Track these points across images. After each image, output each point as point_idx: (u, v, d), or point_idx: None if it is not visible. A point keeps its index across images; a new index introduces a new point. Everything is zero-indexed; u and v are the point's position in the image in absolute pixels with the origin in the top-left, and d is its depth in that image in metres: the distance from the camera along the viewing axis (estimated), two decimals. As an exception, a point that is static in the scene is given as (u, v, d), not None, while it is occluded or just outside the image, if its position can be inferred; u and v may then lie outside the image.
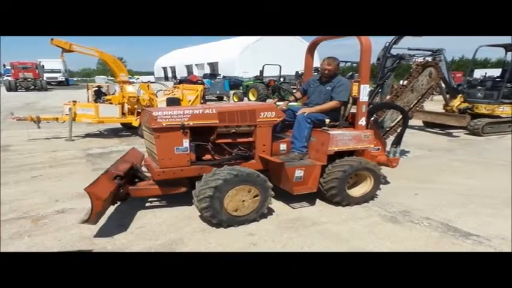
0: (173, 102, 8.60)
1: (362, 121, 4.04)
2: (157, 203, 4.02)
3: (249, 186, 3.38)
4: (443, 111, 9.62)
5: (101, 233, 3.25)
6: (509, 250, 2.98)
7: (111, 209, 3.77)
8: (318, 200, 4.06)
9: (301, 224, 3.48)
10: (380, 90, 5.66)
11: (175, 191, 3.73)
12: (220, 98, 20.46)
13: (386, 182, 4.73)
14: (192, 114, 3.51)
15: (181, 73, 52.92)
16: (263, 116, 3.79)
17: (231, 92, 20.09)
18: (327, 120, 4.10)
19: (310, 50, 4.86)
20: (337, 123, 4.15)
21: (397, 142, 4.59)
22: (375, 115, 4.94)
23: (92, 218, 2.95)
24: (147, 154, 4.08)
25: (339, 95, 4.06)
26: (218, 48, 53.99)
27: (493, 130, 8.76)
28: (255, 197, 3.44)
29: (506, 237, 3.19)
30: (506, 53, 9.57)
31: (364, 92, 3.94)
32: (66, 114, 7.83)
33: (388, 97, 5.77)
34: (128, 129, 8.76)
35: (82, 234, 3.23)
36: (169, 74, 62.40)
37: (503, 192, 4.43)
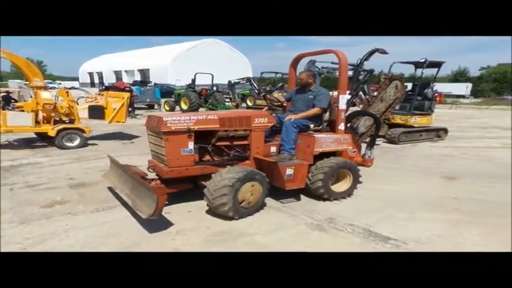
0: (96, 110, 8.06)
1: (341, 126, 4.67)
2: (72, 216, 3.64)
3: (253, 182, 3.84)
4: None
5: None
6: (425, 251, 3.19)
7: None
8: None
9: (229, 237, 3.39)
10: (354, 100, 6.06)
11: (182, 188, 4.13)
12: (150, 106, 19.72)
13: (300, 192, 4.79)
14: (196, 120, 3.93)
15: (110, 79, 50.31)
16: (257, 122, 4.30)
17: (163, 100, 19.49)
18: (311, 125, 4.62)
19: (293, 65, 5.51)
20: (319, 127, 4.71)
21: (371, 144, 5.12)
22: (350, 122, 5.40)
23: (157, 212, 3.24)
24: (152, 156, 4.37)
25: (320, 102, 4.60)
26: (150, 54, 52.42)
27: (407, 139, 9.58)
28: (252, 185, 3.85)
29: (420, 239, 3.42)
30: (415, 70, 10.57)
31: (342, 101, 4.54)
32: (-34, 123, 6.87)
33: (361, 106, 6.24)
34: (43, 139, 7.96)
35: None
36: (96, 80, 58.86)
37: (417, 197, 4.80)
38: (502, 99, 42.88)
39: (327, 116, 4.79)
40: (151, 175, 4.31)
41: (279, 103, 5.18)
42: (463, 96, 44.89)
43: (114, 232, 3.40)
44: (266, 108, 5.31)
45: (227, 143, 4.26)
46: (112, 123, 8.66)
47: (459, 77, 61.82)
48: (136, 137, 9.69)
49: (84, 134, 7.79)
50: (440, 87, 22.85)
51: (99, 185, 5.04)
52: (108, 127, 9.96)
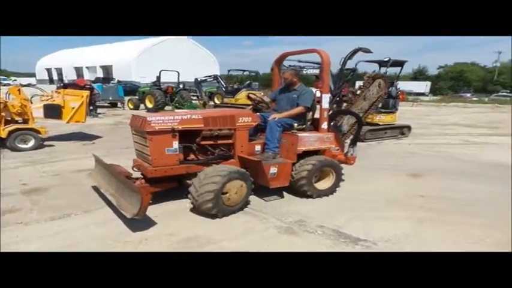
0: (52, 109, 7.58)
1: (324, 125, 4.72)
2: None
3: (243, 183, 3.91)
4: (332, 119, 10.37)
5: None
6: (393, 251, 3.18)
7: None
8: (213, 216, 3.86)
9: (196, 244, 3.23)
10: (338, 98, 6.02)
11: (167, 187, 4.12)
12: (113, 105, 18.99)
13: (284, 190, 4.75)
14: (181, 119, 3.92)
15: (70, 76, 47.97)
16: (241, 121, 4.33)
17: (126, 98, 18.83)
18: (295, 124, 4.68)
19: (278, 63, 5.51)
20: (303, 126, 4.76)
21: (354, 143, 5.18)
22: (334, 120, 5.41)
23: (141, 212, 3.23)
24: (137, 155, 4.36)
25: (304, 102, 4.65)
26: (112, 50, 50.48)
27: (373, 136, 9.76)
28: (241, 186, 3.91)
29: (389, 239, 3.42)
30: (380, 68, 10.79)
31: (325, 100, 4.58)
32: None
33: (344, 104, 6.19)
34: (-7, 141, 7.37)
35: None
36: (55, 77, 56.00)
37: (384, 195, 4.84)
38: (459, 97, 45.24)
39: (310, 114, 4.86)
40: (136, 174, 4.28)
41: (264, 103, 5.14)
42: (423, 94, 46.86)
43: (69, 244, 3.15)
44: (250, 107, 5.30)
45: (212, 142, 4.27)
46: (71, 123, 8.18)
47: (419, 75, 64.57)
48: (98, 137, 9.23)
49: (40, 135, 7.30)
50: (402, 85, 23.64)
51: (56, 190, 4.71)
52: (67, 127, 9.42)
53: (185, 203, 4.08)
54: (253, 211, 4.08)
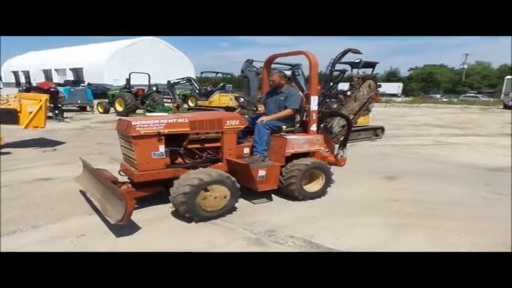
0: (7, 114, 7.06)
1: (313, 127, 4.69)
2: None
3: (228, 190, 3.80)
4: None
5: None
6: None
7: None
8: (186, 225, 3.61)
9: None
10: (327, 100, 5.91)
11: (154, 192, 4.04)
12: (83, 108, 18.27)
13: (253, 198, 4.51)
14: (166, 123, 3.87)
15: (39, 79, 46.06)
16: (229, 124, 4.28)
17: (96, 102, 18.16)
18: (284, 127, 4.65)
19: (266, 66, 5.50)
20: (292, 128, 4.72)
21: (344, 144, 5.09)
22: (324, 121, 5.34)
23: (125, 217, 3.13)
24: (123, 160, 4.31)
25: (292, 104, 4.67)
26: (83, 52, 49.00)
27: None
28: (225, 196, 3.80)
29: (362, 249, 3.23)
30: (352, 70, 10.76)
31: (314, 102, 4.56)
32: None
33: (335, 105, 6.37)
34: None
35: None
36: (23, 80, 53.77)
37: (358, 200, 4.68)
38: (430, 98, 46.58)
39: (299, 116, 4.86)
40: (124, 178, 4.23)
41: (255, 107, 5.09)
42: (395, 95, 47.90)
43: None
44: (238, 110, 5.20)
45: (199, 146, 4.23)
46: (29, 129, 7.65)
47: (391, 77, 66.10)
48: (60, 143, 8.70)
49: (-7, 142, 6.77)
50: (375, 86, 24.04)
51: (6, 203, 4.27)
52: (26, 132, 8.85)
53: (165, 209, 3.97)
54: (221, 221, 3.81)
